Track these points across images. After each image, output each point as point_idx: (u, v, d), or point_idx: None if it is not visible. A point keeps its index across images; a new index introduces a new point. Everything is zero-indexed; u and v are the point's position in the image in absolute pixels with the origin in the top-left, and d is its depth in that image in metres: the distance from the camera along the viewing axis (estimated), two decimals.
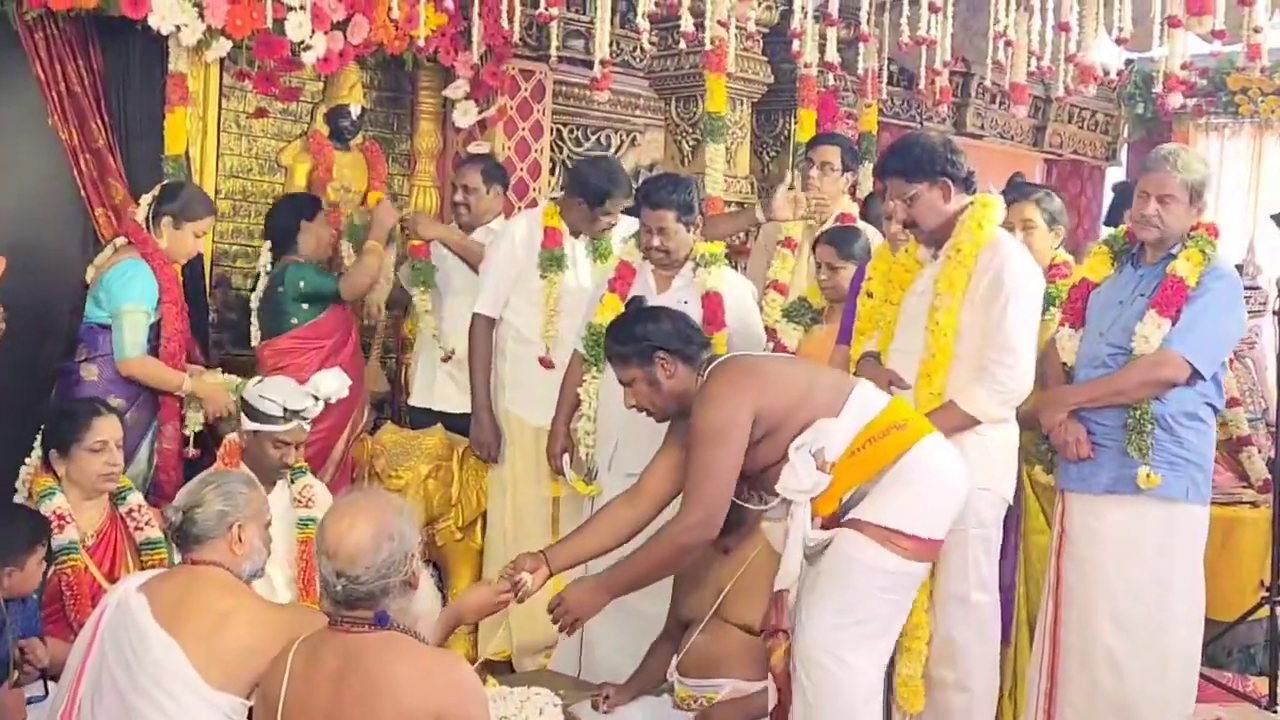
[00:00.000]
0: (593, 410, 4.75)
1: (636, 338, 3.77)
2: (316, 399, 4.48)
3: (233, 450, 4.47)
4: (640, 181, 5.39)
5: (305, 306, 5.22)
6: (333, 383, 4.56)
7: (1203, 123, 9.22)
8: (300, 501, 4.47)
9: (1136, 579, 4.04)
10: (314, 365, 5.05)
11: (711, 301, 4.65)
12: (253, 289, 5.44)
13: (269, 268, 5.34)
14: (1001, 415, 3.94)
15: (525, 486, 5.08)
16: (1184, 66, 5.14)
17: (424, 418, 5.47)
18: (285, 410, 4.38)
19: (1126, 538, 4.06)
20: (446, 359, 5.33)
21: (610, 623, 4.53)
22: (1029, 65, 5.57)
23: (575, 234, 5.13)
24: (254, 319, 5.33)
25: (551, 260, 5.05)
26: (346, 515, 2.88)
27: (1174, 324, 4.00)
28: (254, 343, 5.31)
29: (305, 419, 4.44)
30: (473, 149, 6.11)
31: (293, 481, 4.50)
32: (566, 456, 4.85)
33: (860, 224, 5.56)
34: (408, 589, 2.88)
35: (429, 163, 6.40)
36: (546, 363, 5.05)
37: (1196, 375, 4.02)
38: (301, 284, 5.23)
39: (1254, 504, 5.82)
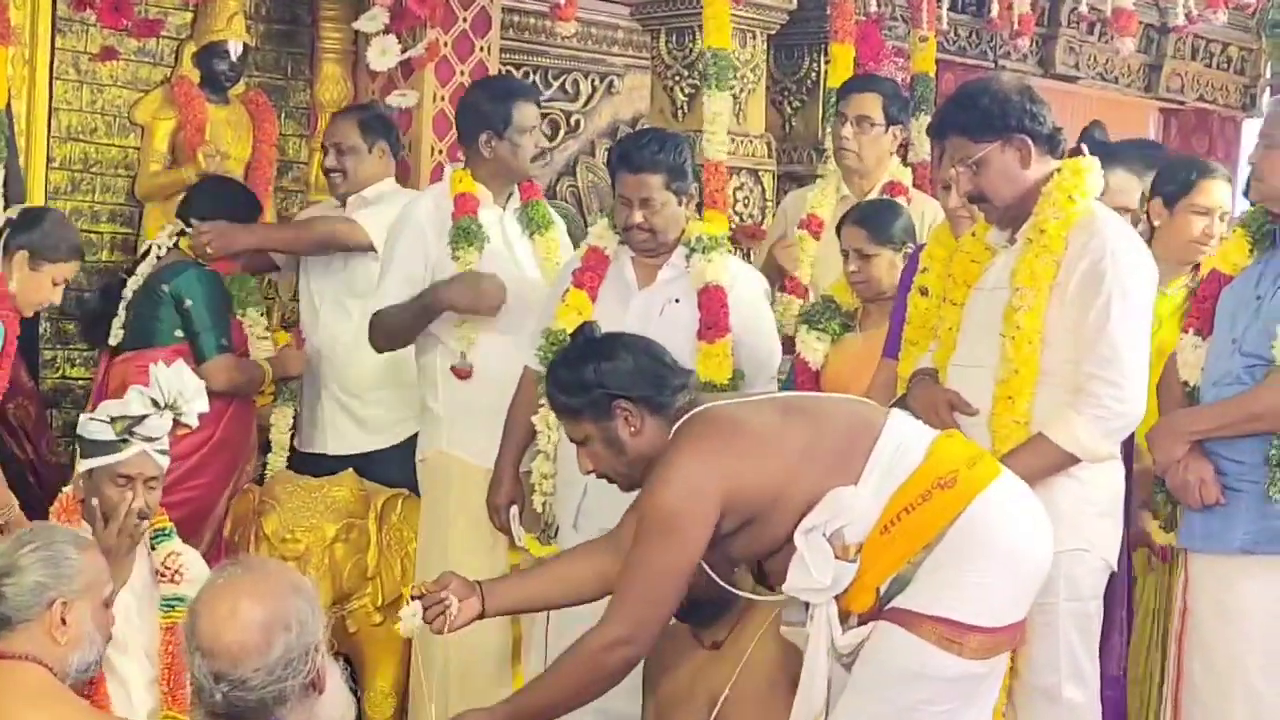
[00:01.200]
0: (553, 445, 4.74)
1: (586, 384, 3.73)
2: (161, 406, 4.34)
3: (68, 505, 4.44)
4: (617, 141, 5.42)
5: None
6: (175, 380, 4.39)
7: None
8: (165, 575, 4.43)
9: None
10: None
11: (711, 299, 4.65)
12: (102, 288, 5.46)
13: (162, 252, 5.39)
14: (1106, 451, 3.96)
15: (472, 553, 5.02)
16: None
17: (320, 465, 5.52)
18: (114, 420, 4.25)
19: (1270, 615, 4.08)
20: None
21: None
22: None
23: (502, 202, 5.18)
24: (121, 315, 5.37)
25: (461, 234, 5.02)
26: (227, 596, 2.86)
27: None
28: (112, 340, 5.35)
29: (152, 439, 4.34)
30: (394, 100, 6.13)
31: (154, 548, 4.46)
32: (514, 510, 4.86)
33: (919, 197, 5.58)
34: (310, 693, 2.86)
35: None
36: (461, 372, 5.03)
37: None
38: (189, 302, 5.29)
39: None
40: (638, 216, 4.64)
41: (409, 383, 5.29)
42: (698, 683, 4.08)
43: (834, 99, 5.88)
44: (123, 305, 5.39)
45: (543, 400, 4.74)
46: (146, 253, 5.49)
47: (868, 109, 5.56)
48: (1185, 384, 4.30)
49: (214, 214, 5.41)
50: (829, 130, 6.05)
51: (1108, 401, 3.89)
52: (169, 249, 5.42)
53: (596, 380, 3.72)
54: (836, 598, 3.55)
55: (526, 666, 4.92)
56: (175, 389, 4.34)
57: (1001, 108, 4.02)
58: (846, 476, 3.57)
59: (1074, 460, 3.91)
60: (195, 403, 4.39)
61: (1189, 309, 4.42)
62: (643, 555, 3.56)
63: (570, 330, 4.52)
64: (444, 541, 5.10)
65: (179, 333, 5.28)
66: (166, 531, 4.50)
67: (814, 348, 4.97)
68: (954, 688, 3.55)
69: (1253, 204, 4.41)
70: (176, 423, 4.36)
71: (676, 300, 4.65)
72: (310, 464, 5.58)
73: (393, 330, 5.05)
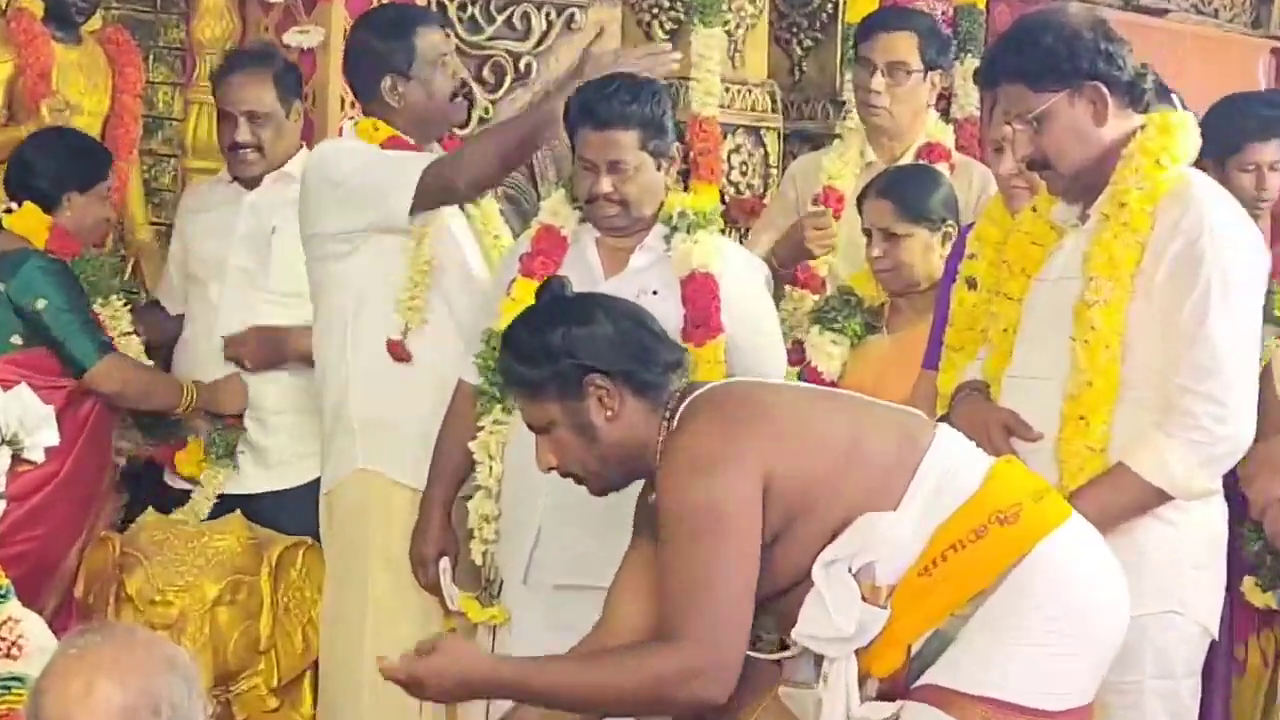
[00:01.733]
0: (495, 479, 4.76)
1: (553, 352, 3.74)
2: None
3: None
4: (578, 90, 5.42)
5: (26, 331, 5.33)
6: (15, 406, 4.40)
7: None
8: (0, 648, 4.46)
9: None
10: None
11: (699, 290, 4.67)
12: None
13: None
14: (1204, 485, 3.98)
15: (398, 613, 5.03)
16: None
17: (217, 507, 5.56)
18: None
19: None
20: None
21: None
22: None
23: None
24: None
25: None
26: (79, 673, 2.85)
27: None
28: None
29: None
30: (292, 38, 6.16)
31: None
32: (445, 562, 4.86)
33: (964, 163, 5.60)
34: None
35: (217, 64, 6.39)
36: (399, 352, 5.03)
37: None
38: (40, 303, 5.30)
39: None
40: (605, 184, 4.64)
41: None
42: None
43: (854, 38, 5.89)
44: None
45: (483, 423, 4.75)
46: None
47: (900, 52, 5.59)
48: None
49: (48, 181, 5.41)
50: (849, 78, 6.07)
51: (1206, 422, 3.90)
52: None
53: (565, 348, 3.72)
54: (857, 653, 3.55)
55: None
56: (14, 417, 4.35)
57: (1069, 48, 4.02)
58: (885, 500, 3.58)
59: (1164, 497, 3.92)
60: (40, 434, 4.41)
61: None
62: (694, 563, 3.54)
63: None
64: (360, 597, 5.08)
65: (17, 339, 5.28)
66: (1, 592, 4.51)
67: (828, 353, 4.98)
68: None
69: None
70: (16, 459, 4.38)
71: (654, 292, 4.62)
72: (177, 502, 5.60)
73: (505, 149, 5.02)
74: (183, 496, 5.68)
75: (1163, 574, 3.89)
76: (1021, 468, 3.76)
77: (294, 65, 5.87)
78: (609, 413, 3.72)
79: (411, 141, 5.11)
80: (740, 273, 4.80)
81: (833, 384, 4.91)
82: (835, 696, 3.56)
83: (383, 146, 5.07)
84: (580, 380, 3.70)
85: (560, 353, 3.72)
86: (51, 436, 4.44)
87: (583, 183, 4.69)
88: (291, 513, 5.43)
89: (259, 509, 5.42)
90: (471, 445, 4.80)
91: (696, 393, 3.73)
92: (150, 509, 5.50)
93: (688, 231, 4.70)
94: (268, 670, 5.22)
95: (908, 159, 5.62)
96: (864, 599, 3.53)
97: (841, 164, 5.73)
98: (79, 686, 2.84)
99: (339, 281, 5.07)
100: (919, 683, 3.55)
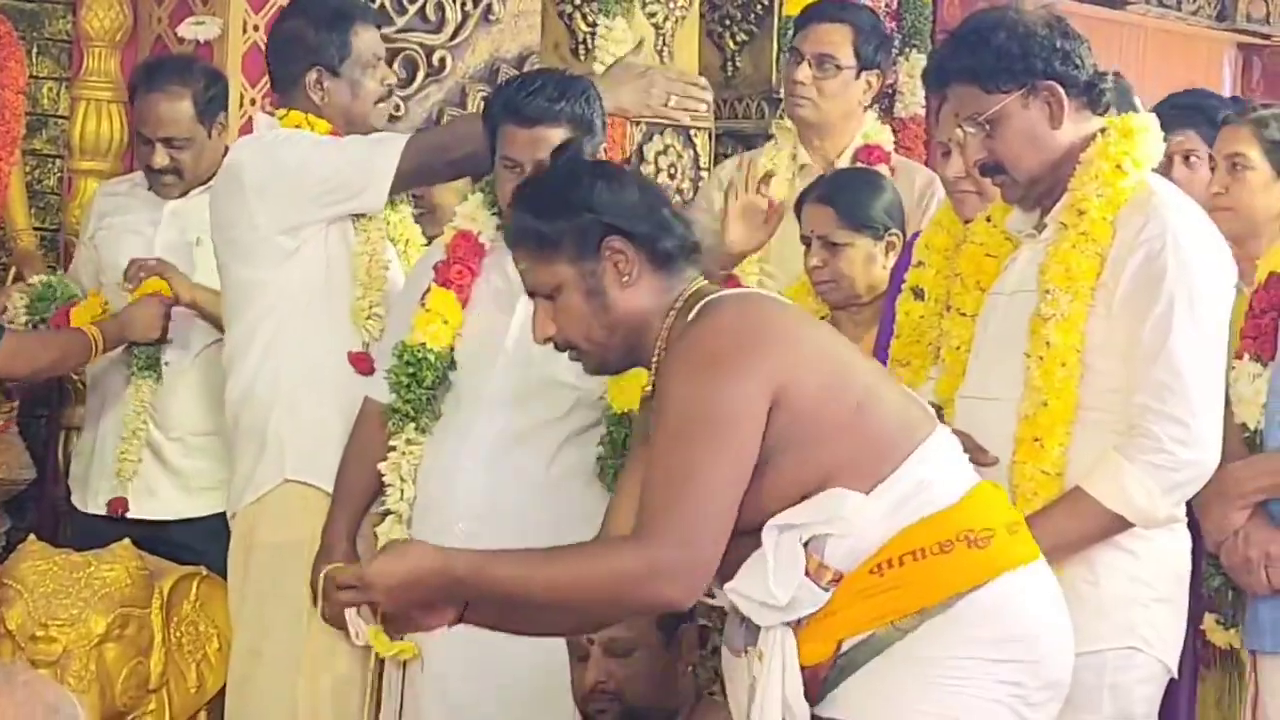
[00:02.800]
0: (407, 502, 4.75)
1: (573, 205, 3.69)
2: None
3: None
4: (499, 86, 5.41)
5: None
6: None
7: None
8: None
9: None
10: None
11: None
12: None
13: None
14: (1166, 512, 3.98)
15: (331, 635, 4.96)
16: None
17: (104, 531, 5.53)
18: None
19: None
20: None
21: None
22: None
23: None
24: None
25: None
26: None
27: None
28: None
29: None
30: (188, 30, 6.13)
31: None
32: None
33: (905, 166, 5.59)
34: None
35: (106, 57, 6.42)
36: (362, 362, 5.03)
37: None
38: None
39: None
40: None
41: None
42: None
43: (791, 31, 5.87)
44: None
45: (395, 443, 4.72)
46: None
47: (831, 44, 5.59)
48: (1243, 426, 4.39)
49: None
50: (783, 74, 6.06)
51: (1170, 445, 3.90)
52: None
53: (589, 203, 3.67)
54: (792, 627, 3.52)
55: None
56: None
57: (1023, 46, 4.03)
58: (862, 478, 3.54)
59: (1123, 525, 3.92)
60: None
61: (1241, 326, 4.44)
62: (682, 460, 3.50)
63: (433, 345, 4.63)
64: (293, 617, 5.03)
65: None
66: None
67: None
68: None
69: None
70: None
71: None
72: (79, 527, 5.64)
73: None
74: (70, 518, 5.72)
75: (1122, 607, 3.91)
76: (1003, 496, 3.74)
77: (218, 76, 5.87)
78: (625, 278, 3.68)
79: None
80: None
81: None
82: (772, 670, 3.51)
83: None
84: (600, 239, 3.66)
85: (583, 207, 3.67)
86: None
87: (505, 184, 4.63)
88: (192, 541, 5.46)
89: (155, 538, 5.41)
90: (381, 467, 4.78)
91: (722, 292, 3.70)
92: (32, 536, 5.42)
93: None
94: (159, 711, 5.22)
95: (843, 162, 5.64)
96: (807, 574, 3.49)
97: (773, 166, 5.69)
98: None
99: (269, 287, 5.04)
100: (827, 696, 3.53)
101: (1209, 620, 4.55)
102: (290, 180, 4.99)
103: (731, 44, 6.95)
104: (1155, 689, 4.03)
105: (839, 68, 5.59)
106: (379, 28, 5.31)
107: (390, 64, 6.30)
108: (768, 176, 5.19)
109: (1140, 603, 3.96)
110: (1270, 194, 4.78)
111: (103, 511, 5.64)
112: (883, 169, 5.54)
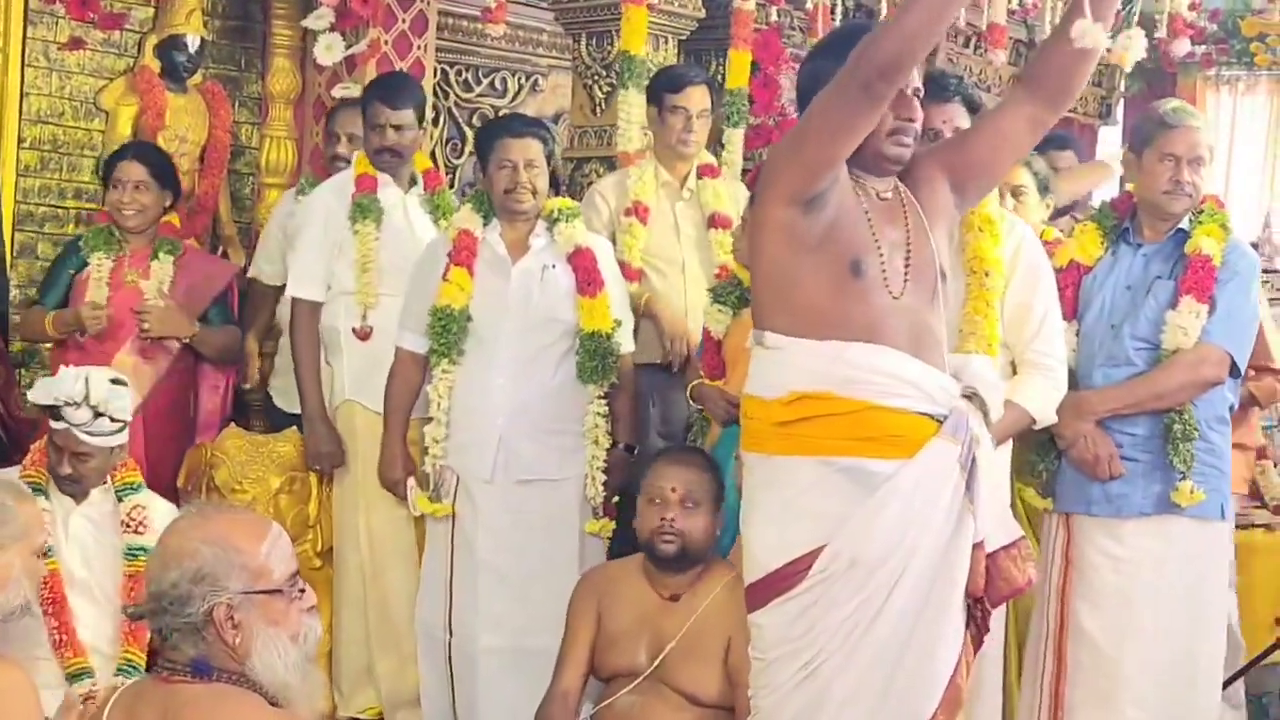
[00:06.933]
0: (444, 411, 4.66)
1: None
2: (79, 404, 4.29)
3: (37, 458, 4.43)
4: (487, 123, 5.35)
5: None
6: (99, 386, 4.33)
7: (1212, 75, 9.37)
8: (130, 526, 4.42)
9: (1169, 618, 4.10)
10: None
11: (584, 260, 4.70)
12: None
13: None
14: None
15: (382, 502, 4.98)
16: (1191, 7, 5.25)
17: (285, 421, 5.46)
18: (65, 403, 4.29)
19: (1160, 568, 4.12)
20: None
21: (497, 665, 4.56)
22: (1010, 2, 5.63)
23: (406, 185, 5.22)
24: None
25: (359, 209, 5.07)
26: (172, 530, 2.82)
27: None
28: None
29: (79, 425, 4.29)
30: (339, 92, 6.08)
31: (120, 499, 4.46)
32: (411, 480, 4.78)
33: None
34: (210, 641, 2.67)
35: (284, 108, 6.38)
36: (362, 333, 5.03)
37: (1233, 372, 4.13)
38: None
39: (1269, 527, 5.90)
40: (522, 178, 4.63)
41: None
42: (644, 627, 4.05)
43: (655, 88, 5.50)
44: None
45: (434, 372, 4.66)
46: None
47: (704, 102, 5.37)
48: None
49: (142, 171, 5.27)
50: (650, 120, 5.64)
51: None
52: None
53: None
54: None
55: (419, 601, 4.80)
56: (99, 393, 4.32)
57: None
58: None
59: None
60: (118, 403, 4.36)
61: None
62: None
63: (455, 305, 4.60)
64: (353, 493, 5.06)
65: None
66: (135, 485, 4.49)
67: (717, 319, 4.74)
68: None
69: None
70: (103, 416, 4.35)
71: (553, 266, 4.69)
72: (276, 419, 5.58)
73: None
74: (260, 409, 5.70)
75: None
76: None
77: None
78: None
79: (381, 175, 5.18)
80: (604, 251, 4.84)
81: (718, 342, 4.72)
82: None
83: (356, 181, 5.14)
84: None
85: None
86: (124, 407, 4.39)
87: (500, 182, 4.65)
88: None
89: None
90: (428, 389, 4.71)
91: None
92: (231, 423, 5.44)
93: (565, 221, 4.73)
94: (314, 539, 5.16)
95: (691, 178, 5.44)
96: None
97: (643, 184, 5.41)
98: (165, 536, 2.81)
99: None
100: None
101: (1029, 492, 4.44)
102: None
103: (599, 93, 6.71)
104: None
105: (707, 118, 5.44)
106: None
107: (470, 118, 6.30)
108: None
109: None
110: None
111: (289, 407, 5.48)
112: (713, 180, 5.44)
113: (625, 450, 4.79)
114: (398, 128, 5.12)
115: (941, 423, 3.25)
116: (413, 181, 5.27)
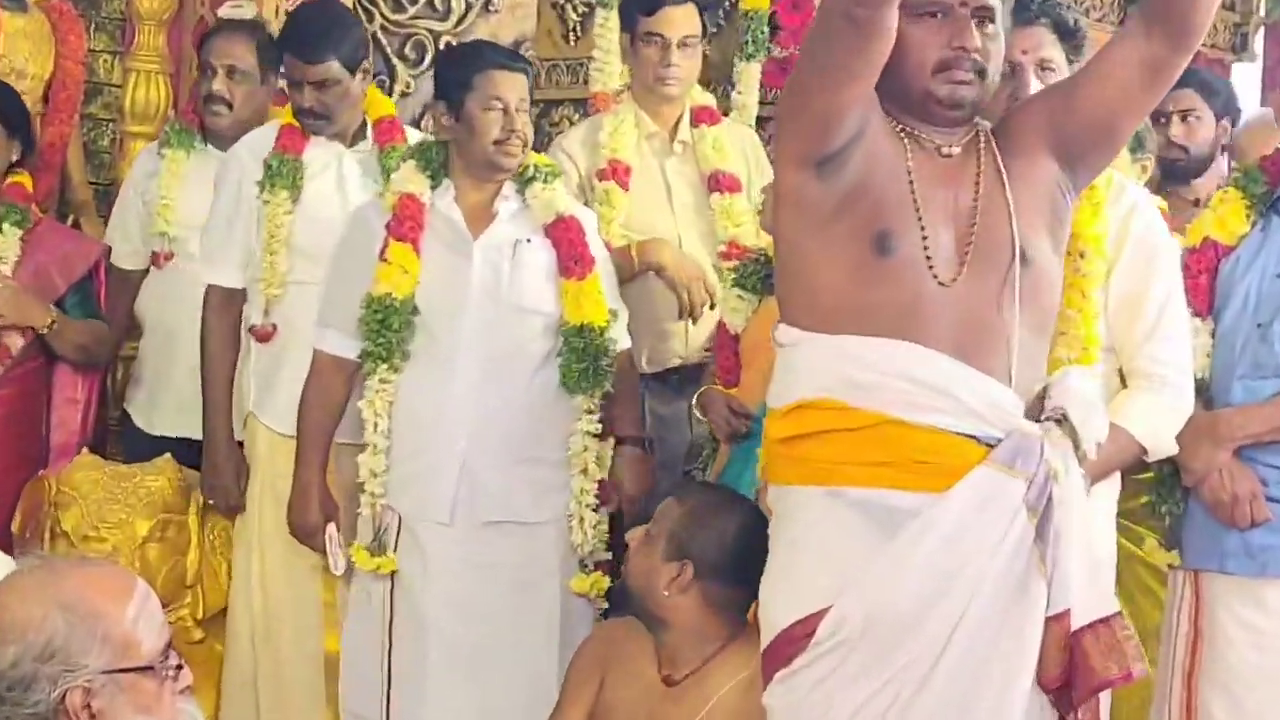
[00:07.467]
0: (384, 432, 4.64)
1: None
2: None
3: None
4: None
5: None
6: None
7: None
8: None
9: None
10: None
11: (569, 231, 4.68)
12: None
13: None
14: None
15: (279, 541, 5.00)
16: None
17: (149, 448, 5.49)
18: None
19: None
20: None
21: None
22: None
23: (349, 142, 5.23)
24: None
25: (269, 173, 5.09)
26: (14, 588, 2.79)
27: None
28: None
29: None
30: (227, 11, 6.09)
31: None
32: (332, 528, 4.75)
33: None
34: None
35: (155, 33, 6.39)
36: (260, 333, 5.06)
37: None
38: None
39: None
40: (519, 122, 4.62)
41: None
42: (645, 712, 4.09)
43: (626, 12, 5.61)
44: None
45: (370, 382, 4.65)
46: None
47: (692, 25, 5.41)
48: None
49: None
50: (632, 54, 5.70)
51: None
52: None
53: None
54: None
55: (343, 686, 4.82)
56: None
57: None
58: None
59: None
60: None
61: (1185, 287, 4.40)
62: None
63: (398, 293, 4.56)
64: (249, 533, 5.13)
65: None
66: None
67: (735, 308, 4.78)
68: None
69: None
70: None
71: (528, 240, 4.66)
72: (138, 445, 5.62)
73: None
74: (117, 432, 5.80)
75: None
76: None
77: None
78: None
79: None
80: (589, 220, 4.84)
81: (736, 337, 4.79)
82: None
83: (280, 130, 5.22)
84: None
85: None
86: None
87: (488, 127, 4.60)
88: None
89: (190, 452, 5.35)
90: (360, 404, 4.66)
91: None
92: (85, 449, 5.42)
93: (544, 181, 4.70)
94: (194, 603, 5.20)
95: (684, 123, 5.49)
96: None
97: (619, 136, 5.50)
98: None
99: None
100: None
101: (1150, 542, 4.51)
102: None
103: (574, 15, 6.72)
104: None
105: (694, 46, 5.42)
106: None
107: (403, 47, 6.33)
108: None
109: None
110: None
111: (152, 429, 5.58)
112: (716, 128, 5.52)
113: (636, 445, 4.80)
114: (319, 84, 5.08)
115: (992, 448, 3.21)
116: (361, 135, 5.25)
